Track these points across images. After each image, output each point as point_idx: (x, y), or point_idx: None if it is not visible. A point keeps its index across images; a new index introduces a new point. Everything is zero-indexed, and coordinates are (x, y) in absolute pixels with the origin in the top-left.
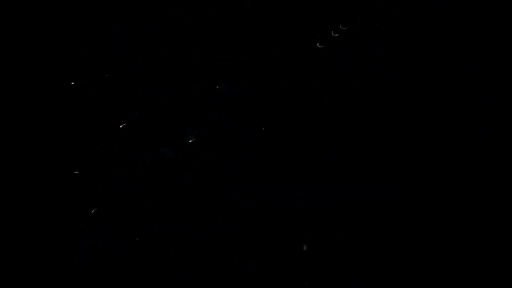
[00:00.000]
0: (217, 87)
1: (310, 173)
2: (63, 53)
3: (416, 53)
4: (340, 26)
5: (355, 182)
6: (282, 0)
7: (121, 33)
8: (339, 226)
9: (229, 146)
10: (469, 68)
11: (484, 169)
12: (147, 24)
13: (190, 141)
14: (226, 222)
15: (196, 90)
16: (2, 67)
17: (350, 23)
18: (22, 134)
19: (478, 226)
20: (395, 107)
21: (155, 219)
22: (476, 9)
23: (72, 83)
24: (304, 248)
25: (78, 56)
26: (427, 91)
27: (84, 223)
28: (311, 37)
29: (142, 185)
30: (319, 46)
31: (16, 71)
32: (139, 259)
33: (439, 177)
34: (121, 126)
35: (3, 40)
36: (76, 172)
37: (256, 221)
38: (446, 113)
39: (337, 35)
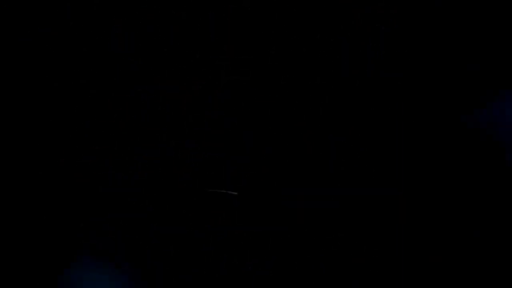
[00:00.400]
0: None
1: (310, 173)
2: (63, 53)
3: (416, 53)
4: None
5: (355, 182)
6: (282, 0)
7: (121, 33)
8: (339, 226)
9: (229, 146)
10: (469, 68)
11: (485, 169)
12: (147, 24)
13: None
14: (226, 222)
15: (196, 90)
16: (2, 67)
17: (350, 23)
18: (22, 134)
19: (478, 226)
20: (395, 107)
21: (155, 219)
22: (476, 9)
23: (72, 83)
24: None
25: (78, 56)
26: (427, 91)
27: (84, 223)
28: (311, 37)
29: (142, 185)
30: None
31: (16, 71)
32: (139, 259)
33: (439, 177)
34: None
35: (3, 40)
36: (76, 172)
37: (256, 221)
38: (446, 113)
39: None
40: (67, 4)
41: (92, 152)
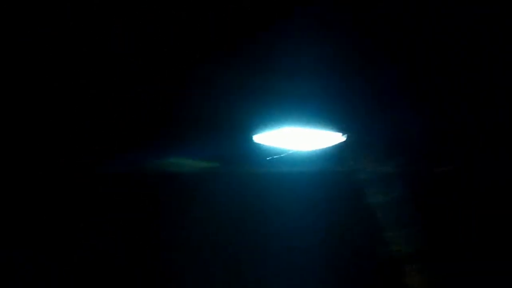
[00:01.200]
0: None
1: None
2: (63, 53)
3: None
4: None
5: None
6: (282, 0)
7: (121, 33)
8: (336, 225)
9: (229, 145)
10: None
11: None
12: (147, 24)
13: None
14: (226, 222)
15: (196, 90)
16: (2, 67)
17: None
18: (22, 134)
19: None
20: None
21: (155, 219)
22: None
23: (72, 83)
24: None
25: (78, 56)
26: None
27: (84, 223)
28: (311, 36)
29: (142, 184)
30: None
31: (16, 71)
32: (139, 259)
33: None
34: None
35: (3, 40)
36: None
37: (256, 221)
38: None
39: None
40: (67, 4)
41: (92, 152)
